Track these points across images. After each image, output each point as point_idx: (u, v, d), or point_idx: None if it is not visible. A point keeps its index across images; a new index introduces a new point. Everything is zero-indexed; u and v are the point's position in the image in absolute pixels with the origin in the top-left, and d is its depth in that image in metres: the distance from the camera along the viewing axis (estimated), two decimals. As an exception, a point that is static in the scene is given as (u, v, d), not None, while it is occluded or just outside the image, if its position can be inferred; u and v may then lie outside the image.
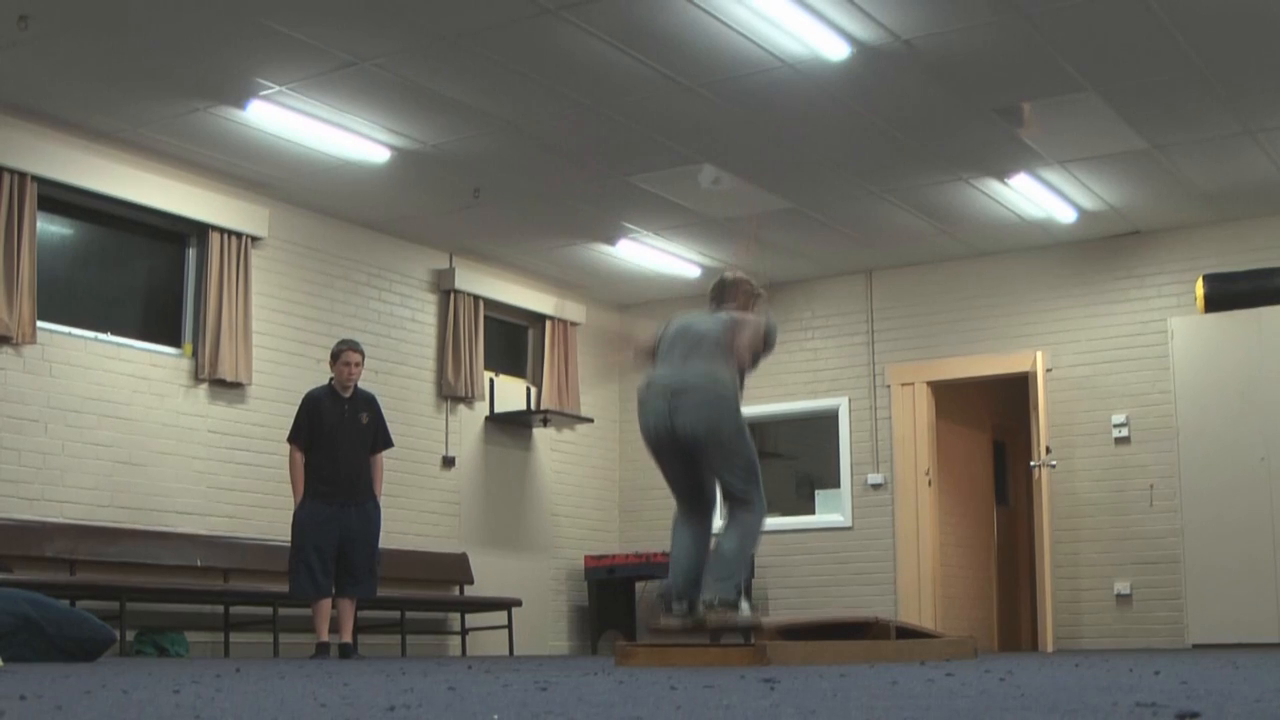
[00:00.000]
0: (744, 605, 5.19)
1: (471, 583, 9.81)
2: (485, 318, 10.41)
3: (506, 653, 9.56)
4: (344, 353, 7.56)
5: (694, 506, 5.53)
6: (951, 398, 10.88)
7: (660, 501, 11.60)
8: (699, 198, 9.04)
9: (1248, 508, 8.74)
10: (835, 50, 6.71)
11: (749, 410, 5.39)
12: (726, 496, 5.45)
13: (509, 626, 9.63)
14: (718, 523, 5.48)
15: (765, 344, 5.61)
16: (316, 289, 9.23)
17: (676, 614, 5.27)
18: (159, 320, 8.48)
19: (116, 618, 7.18)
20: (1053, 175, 8.68)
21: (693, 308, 11.41)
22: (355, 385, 7.61)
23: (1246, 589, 8.67)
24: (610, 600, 10.73)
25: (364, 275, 9.58)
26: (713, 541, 5.47)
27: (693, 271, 10.69)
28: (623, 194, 8.95)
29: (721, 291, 5.94)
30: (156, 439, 8.14)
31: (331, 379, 7.62)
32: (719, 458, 5.35)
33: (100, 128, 7.79)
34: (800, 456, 11.54)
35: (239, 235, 8.61)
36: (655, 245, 10.11)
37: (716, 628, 5.18)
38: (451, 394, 10.06)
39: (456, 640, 9.81)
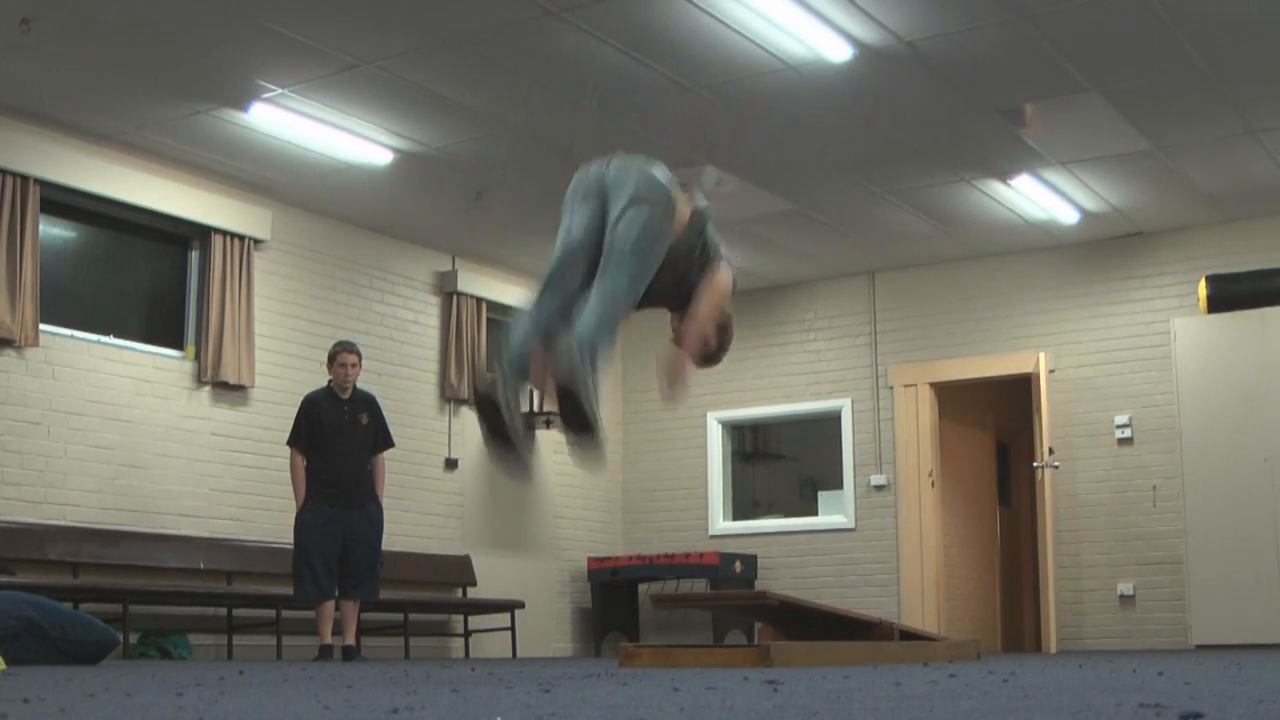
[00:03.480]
0: (589, 381, 3.76)
1: (474, 585, 9.81)
2: (488, 319, 10.42)
3: (510, 655, 9.56)
4: (340, 354, 7.57)
5: (572, 265, 4.28)
6: (954, 399, 10.88)
7: (663, 503, 11.64)
8: (701, 199, 9.02)
9: (1251, 508, 8.74)
10: (837, 52, 6.71)
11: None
12: (609, 246, 4.18)
13: (512, 628, 9.63)
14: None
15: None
16: (319, 291, 9.23)
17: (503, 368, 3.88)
18: (161, 323, 8.48)
19: (119, 620, 7.19)
20: (1055, 176, 8.68)
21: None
22: (354, 386, 7.62)
23: (1250, 590, 8.66)
24: (613, 602, 10.74)
25: (366, 278, 9.59)
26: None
27: (695, 273, 10.68)
28: (625, 196, 8.94)
29: None
30: (159, 441, 8.15)
31: (330, 381, 7.63)
32: (629, 196, 4.26)
33: (102, 130, 7.80)
34: (803, 458, 11.54)
35: (241, 238, 8.61)
36: (657, 247, 10.10)
37: (557, 372, 3.74)
38: (454, 396, 10.06)
39: (459, 642, 9.81)
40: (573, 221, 4.39)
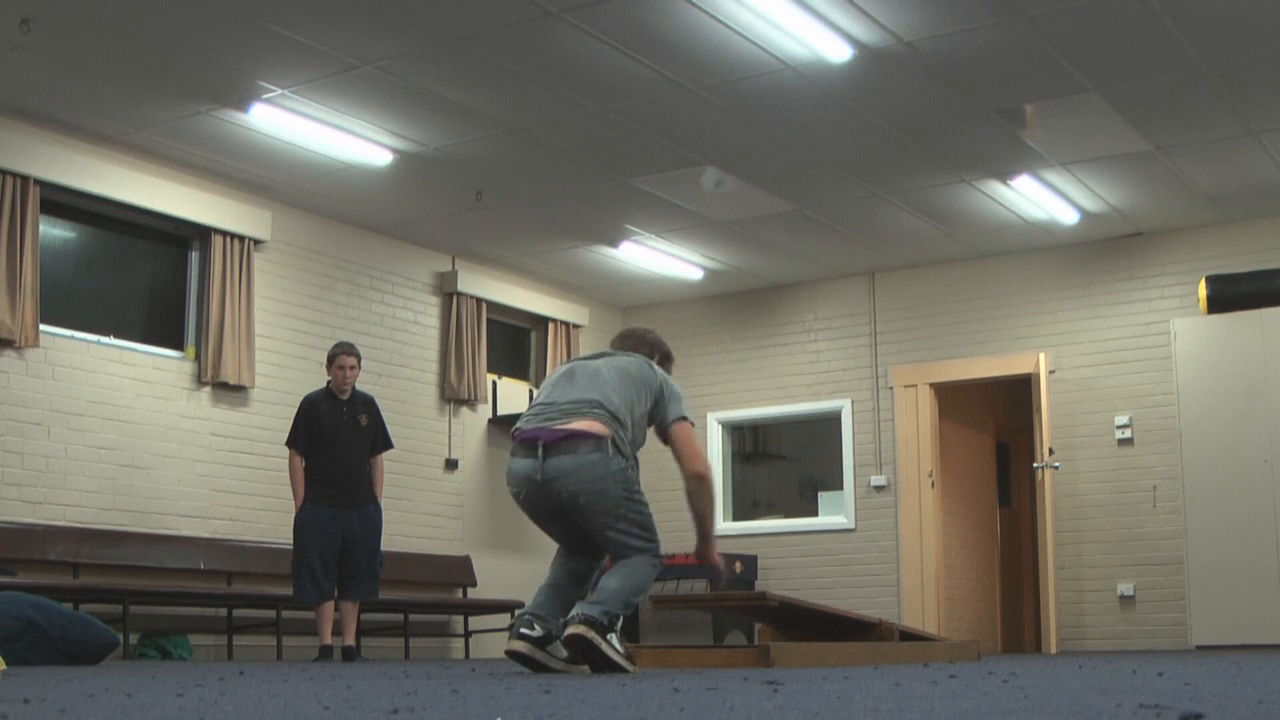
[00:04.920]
0: (612, 637, 4.32)
1: (474, 585, 9.81)
2: (488, 320, 10.42)
3: (509, 655, 9.56)
4: (339, 356, 7.57)
5: (582, 551, 4.93)
6: (954, 399, 10.88)
7: (663, 503, 11.59)
8: (701, 200, 9.04)
9: (1251, 509, 8.74)
10: (837, 52, 6.71)
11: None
12: (615, 555, 4.68)
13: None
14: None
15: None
16: (319, 292, 9.23)
17: (523, 635, 4.49)
18: (162, 323, 8.48)
19: (120, 621, 7.19)
20: (1055, 177, 8.68)
21: (694, 310, 11.51)
22: (353, 387, 7.62)
23: (1250, 590, 8.66)
24: (613, 602, 10.71)
25: (366, 278, 9.59)
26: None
27: (695, 274, 10.69)
28: (625, 196, 8.95)
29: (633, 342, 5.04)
30: (159, 442, 8.15)
31: (329, 382, 7.63)
32: (605, 518, 4.63)
33: (103, 131, 7.80)
34: (803, 458, 11.55)
35: (241, 238, 8.62)
36: (657, 247, 10.12)
37: (575, 647, 4.29)
38: (454, 396, 10.06)
39: (460, 643, 9.81)
40: (557, 539, 5.13)
